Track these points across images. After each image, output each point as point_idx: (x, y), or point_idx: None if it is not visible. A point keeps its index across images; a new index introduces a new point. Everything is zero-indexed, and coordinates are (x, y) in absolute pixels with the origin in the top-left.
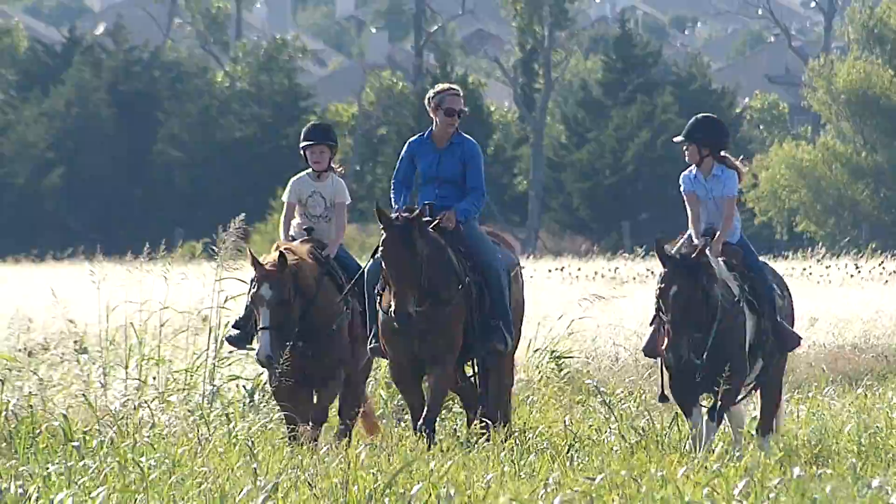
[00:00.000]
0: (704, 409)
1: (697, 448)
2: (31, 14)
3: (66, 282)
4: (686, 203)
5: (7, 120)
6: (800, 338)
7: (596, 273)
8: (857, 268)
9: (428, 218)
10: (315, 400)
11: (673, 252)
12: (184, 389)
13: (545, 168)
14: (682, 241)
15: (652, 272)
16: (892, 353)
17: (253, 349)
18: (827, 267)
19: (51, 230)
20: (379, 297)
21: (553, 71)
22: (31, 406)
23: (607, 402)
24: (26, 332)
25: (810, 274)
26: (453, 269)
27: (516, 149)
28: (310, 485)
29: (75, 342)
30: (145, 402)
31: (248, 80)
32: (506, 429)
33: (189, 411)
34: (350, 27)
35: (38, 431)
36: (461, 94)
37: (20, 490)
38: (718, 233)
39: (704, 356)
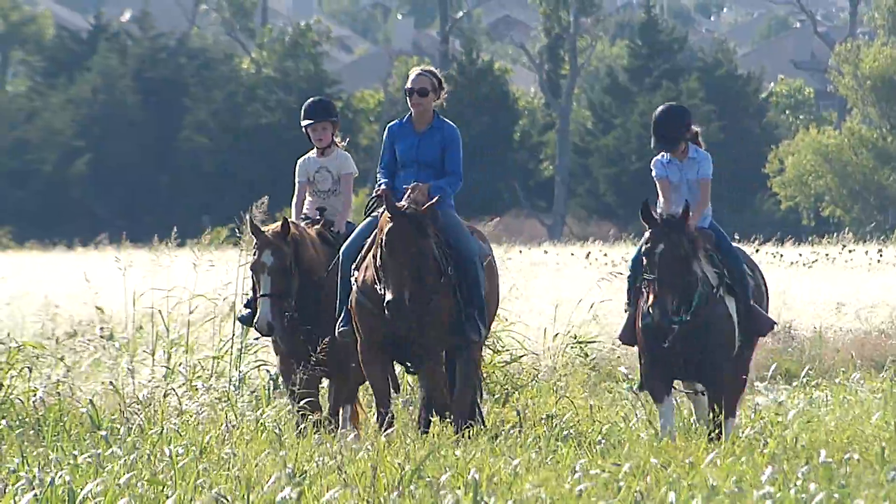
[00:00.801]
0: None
1: (665, 434)
2: (56, 1)
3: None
4: (658, 188)
5: (34, 107)
6: (773, 322)
7: (623, 259)
8: (879, 252)
9: (432, 202)
10: (331, 387)
11: (657, 215)
12: (211, 376)
13: (571, 154)
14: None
15: None
16: None
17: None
18: (850, 251)
19: (78, 217)
20: (353, 278)
21: (579, 57)
22: (58, 393)
23: (634, 389)
24: (52, 320)
25: (834, 260)
26: (438, 260)
27: (542, 135)
28: (339, 470)
29: (102, 329)
30: (172, 389)
31: (273, 66)
32: (471, 420)
33: (216, 398)
34: (376, 13)
35: (65, 419)
36: (429, 74)
37: (49, 478)
38: (693, 212)
39: (688, 315)
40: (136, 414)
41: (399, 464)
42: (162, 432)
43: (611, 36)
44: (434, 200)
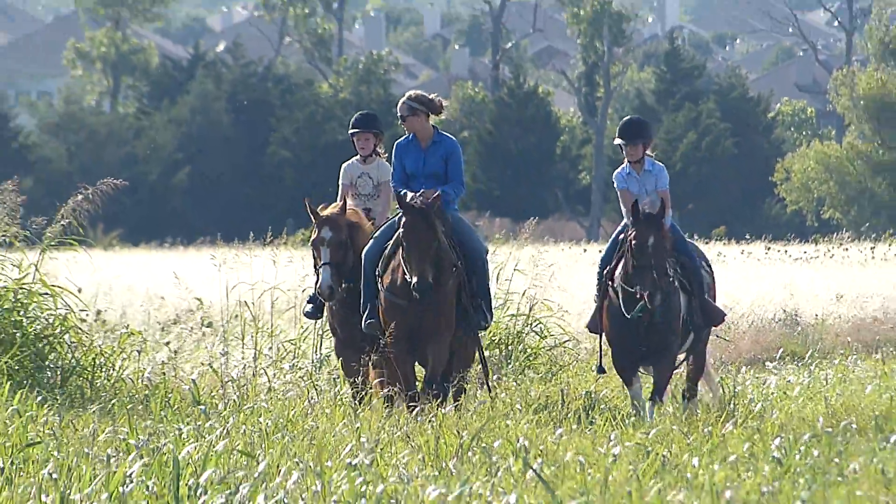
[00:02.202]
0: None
1: (640, 413)
2: (161, 34)
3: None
4: (620, 198)
5: (140, 126)
6: (724, 313)
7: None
8: (872, 250)
9: (437, 195)
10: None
11: (641, 212)
12: (294, 358)
13: (605, 165)
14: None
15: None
16: None
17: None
18: (847, 249)
19: (178, 222)
20: (379, 279)
21: (612, 81)
22: (163, 373)
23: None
24: (157, 309)
25: (833, 256)
26: (449, 253)
27: (580, 148)
28: (407, 439)
29: (201, 318)
30: (262, 369)
31: (348, 90)
32: (461, 399)
33: (299, 377)
34: (437, 44)
35: (169, 395)
36: (410, 100)
37: (155, 447)
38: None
39: (660, 314)
40: (231, 391)
41: (458, 433)
42: (253, 407)
43: (639, 63)
44: (438, 194)
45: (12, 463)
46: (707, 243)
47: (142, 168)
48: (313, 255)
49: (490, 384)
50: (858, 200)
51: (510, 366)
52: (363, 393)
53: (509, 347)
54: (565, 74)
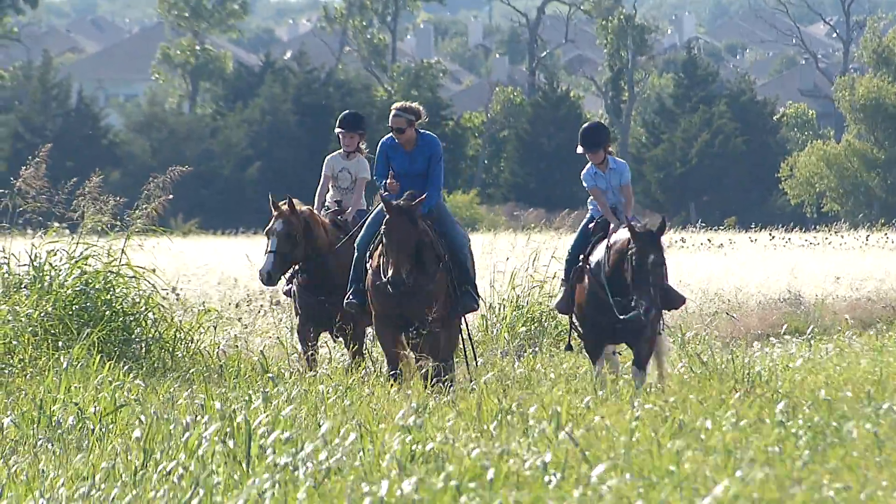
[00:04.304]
0: (619, 359)
1: (601, 384)
2: (234, 44)
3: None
4: (592, 195)
5: (216, 125)
6: (684, 298)
7: (670, 242)
8: (866, 238)
9: (419, 199)
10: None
11: (638, 229)
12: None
13: (630, 162)
14: (620, 226)
15: (710, 241)
16: None
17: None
18: (843, 237)
19: (250, 211)
20: (368, 262)
21: (635, 86)
22: (236, 346)
23: (679, 341)
24: (231, 289)
25: (832, 243)
26: (434, 248)
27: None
28: (452, 405)
29: (270, 297)
30: (324, 342)
31: (401, 94)
32: (450, 376)
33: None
34: (479, 53)
35: (241, 366)
36: (402, 111)
37: (229, 412)
38: (626, 212)
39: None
40: (296, 362)
41: (498, 399)
42: (316, 376)
43: (660, 70)
44: (422, 198)
45: (102, 425)
46: (718, 231)
47: (217, 163)
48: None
49: (476, 363)
50: (854, 194)
51: (544, 340)
52: (313, 363)
53: (544, 324)
54: (594, 80)
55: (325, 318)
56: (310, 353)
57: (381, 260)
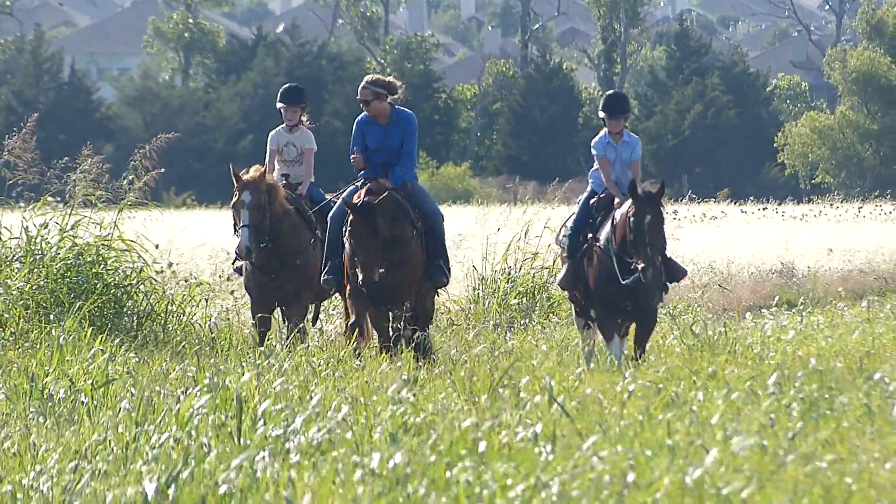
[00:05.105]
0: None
1: (617, 364)
2: (227, 17)
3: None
4: (599, 164)
5: (209, 98)
6: (685, 270)
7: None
8: (859, 210)
9: (388, 192)
10: (285, 318)
11: (639, 191)
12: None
13: None
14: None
15: (703, 213)
16: (890, 276)
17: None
18: (837, 209)
19: None
20: (343, 238)
21: (628, 59)
22: (228, 319)
23: (671, 314)
24: (224, 262)
25: (825, 215)
26: (409, 216)
27: (600, 119)
28: (444, 377)
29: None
30: (316, 316)
31: (393, 67)
32: (429, 351)
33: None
34: (472, 26)
35: (233, 339)
36: (371, 84)
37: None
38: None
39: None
40: (288, 335)
41: (489, 370)
42: (307, 348)
43: (652, 42)
44: (385, 195)
45: (94, 398)
46: (710, 203)
47: (210, 136)
48: (233, 216)
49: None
50: (847, 165)
51: (536, 312)
52: (266, 341)
53: (535, 296)
54: (586, 52)
55: (276, 295)
56: (264, 330)
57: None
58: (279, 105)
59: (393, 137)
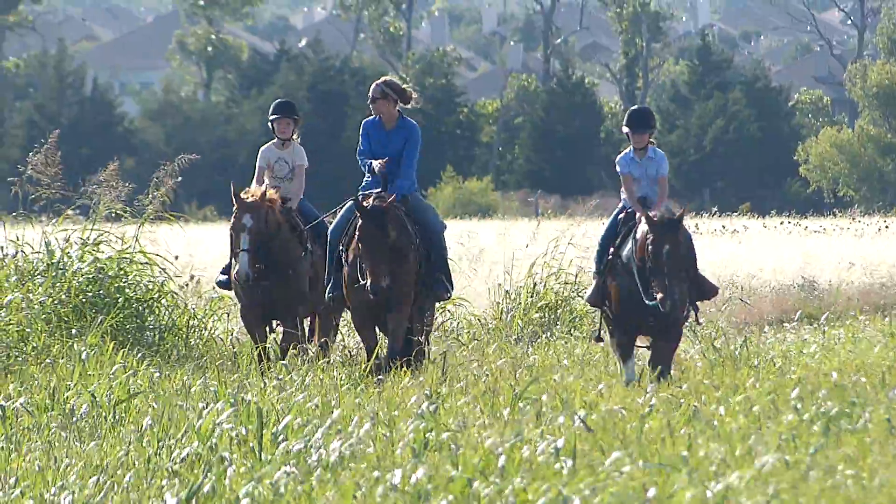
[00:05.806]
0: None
1: (631, 383)
2: (250, 31)
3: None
4: (623, 182)
5: (231, 112)
6: (717, 287)
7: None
8: (885, 223)
9: (390, 199)
10: (281, 327)
11: (656, 219)
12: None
13: None
14: (653, 212)
15: (724, 227)
16: None
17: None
18: (859, 223)
19: None
20: (343, 253)
21: (650, 73)
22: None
23: (692, 328)
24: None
25: (847, 229)
26: (409, 233)
27: (622, 133)
28: (465, 392)
29: None
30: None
31: (416, 81)
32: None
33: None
34: (494, 40)
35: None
36: (383, 84)
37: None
38: (659, 203)
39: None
40: (310, 350)
41: (511, 386)
42: (329, 363)
43: (674, 57)
44: (392, 199)
45: (116, 412)
46: (732, 217)
47: (232, 150)
48: (231, 238)
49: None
50: (868, 180)
51: (558, 327)
52: (262, 348)
53: (558, 311)
54: (608, 67)
55: (269, 306)
56: (261, 343)
57: (358, 259)
58: (271, 118)
59: (395, 143)
